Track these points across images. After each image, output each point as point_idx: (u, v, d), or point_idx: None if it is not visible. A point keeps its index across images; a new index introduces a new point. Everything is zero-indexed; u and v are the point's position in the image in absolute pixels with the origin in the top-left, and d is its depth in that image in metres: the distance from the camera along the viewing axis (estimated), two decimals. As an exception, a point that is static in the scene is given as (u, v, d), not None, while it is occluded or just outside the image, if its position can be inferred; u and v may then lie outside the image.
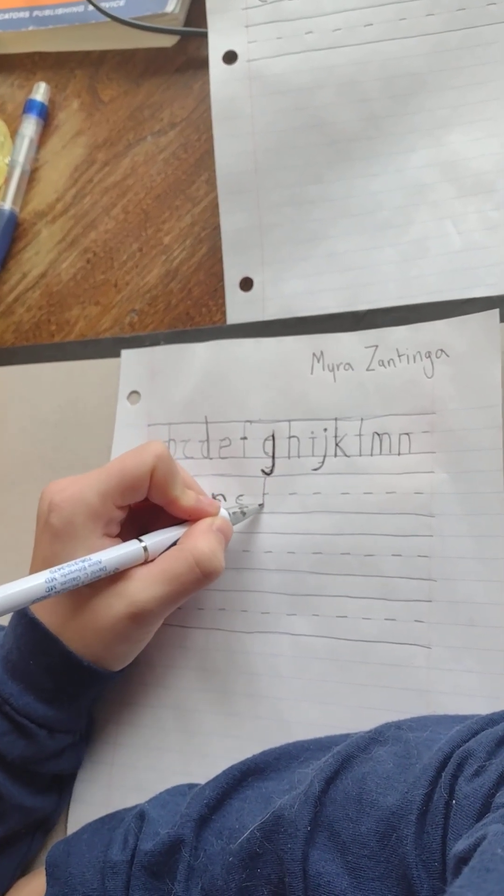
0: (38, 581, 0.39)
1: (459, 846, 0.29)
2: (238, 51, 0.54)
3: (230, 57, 0.54)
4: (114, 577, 0.43)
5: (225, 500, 0.50)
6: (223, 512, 0.47)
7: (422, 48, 0.51)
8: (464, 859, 0.28)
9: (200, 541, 0.44)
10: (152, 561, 0.44)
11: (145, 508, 0.47)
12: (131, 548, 0.43)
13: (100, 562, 0.41)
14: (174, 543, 0.45)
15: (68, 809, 0.49)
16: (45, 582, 0.39)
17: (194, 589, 0.43)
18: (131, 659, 0.46)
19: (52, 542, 0.43)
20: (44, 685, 0.43)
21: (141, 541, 0.44)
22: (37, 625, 0.43)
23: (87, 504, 0.43)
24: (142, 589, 0.42)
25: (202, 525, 0.45)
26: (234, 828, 0.38)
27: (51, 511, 0.43)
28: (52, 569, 0.40)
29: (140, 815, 0.42)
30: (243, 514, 0.48)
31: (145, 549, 0.43)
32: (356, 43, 0.52)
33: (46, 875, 0.42)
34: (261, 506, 0.50)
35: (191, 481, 0.48)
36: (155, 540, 0.44)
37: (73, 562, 0.41)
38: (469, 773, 0.33)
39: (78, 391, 0.56)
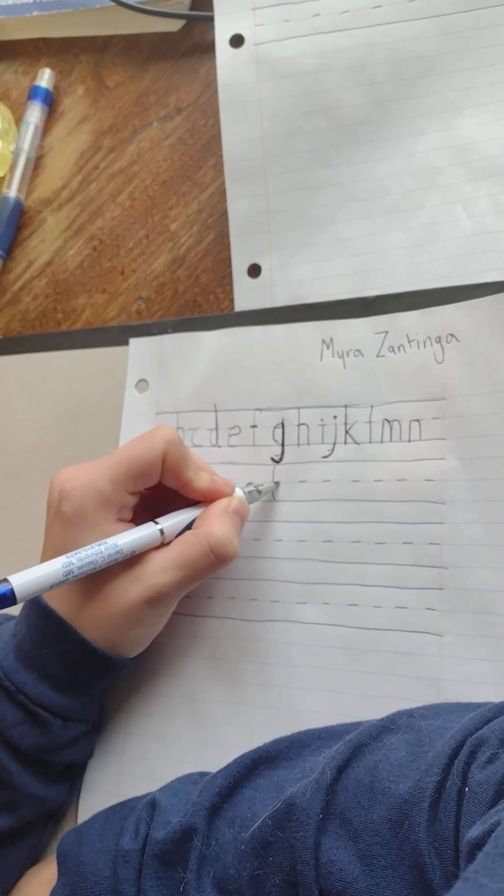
0: (55, 567, 0.39)
1: (473, 832, 0.28)
2: (245, 34, 0.53)
3: (237, 41, 0.53)
4: (129, 561, 0.43)
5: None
6: (238, 492, 0.47)
7: (431, 30, 0.50)
8: (478, 845, 0.28)
9: (216, 525, 0.44)
10: (168, 544, 0.44)
11: (159, 492, 0.46)
12: (148, 531, 0.43)
13: (116, 545, 0.41)
14: (190, 525, 0.44)
15: (79, 798, 0.49)
16: (63, 567, 0.39)
17: (209, 573, 0.43)
18: (146, 645, 0.46)
19: (63, 530, 0.43)
20: (58, 674, 0.43)
21: (157, 523, 0.43)
22: (50, 613, 0.43)
23: (99, 492, 0.43)
24: (158, 572, 0.42)
25: (218, 507, 0.45)
26: (246, 816, 0.38)
27: (62, 499, 0.43)
28: (69, 553, 0.40)
29: (151, 803, 0.41)
30: (259, 492, 0.48)
31: (161, 531, 0.43)
32: (364, 25, 0.51)
33: (58, 864, 0.42)
34: (277, 483, 0.49)
35: (202, 463, 0.48)
36: (171, 522, 0.44)
37: (89, 546, 0.41)
38: (482, 760, 0.33)
39: (85, 380, 0.56)
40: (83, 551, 0.40)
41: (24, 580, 0.39)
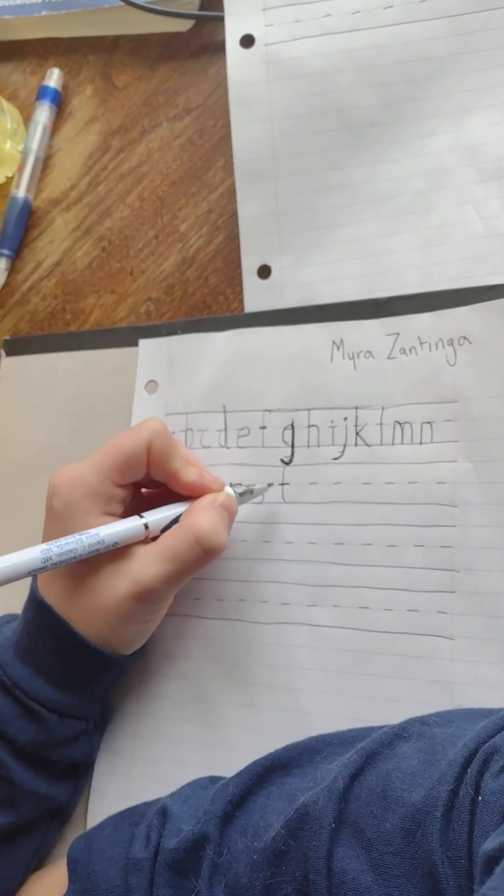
0: (33, 554, 0.40)
1: (489, 844, 0.28)
2: (255, 34, 0.53)
3: (247, 41, 0.53)
4: (115, 556, 0.43)
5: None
6: (228, 489, 0.46)
7: (442, 31, 0.50)
8: (494, 858, 0.27)
9: (200, 517, 0.43)
10: (155, 539, 0.43)
11: (155, 494, 0.46)
12: (131, 523, 0.43)
13: (97, 534, 0.41)
14: (177, 520, 0.44)
15: (88, 801, 0.49)
16: (41, 553, 0.40)
17: (197, 567, 0.43)
18: (140, 643, 0.46)
19: (54, 524, 0.43)
20: (53, 669, 0.43)
21: (142, 517, 0.43)
22: (45, 607, 0.43)
23: (85, 483, 0.43)
24: (144, 567, 0.42)
25: (203, 501, 0.45)
26: (259, 825, 0.38)
27: (53, 496, 0.44)
28: (49, 542, 0.41)
29: (162, 811, 0.41)
30: (251, 492, 0.48)
31: (146, 525, 0.43)
32: (375, 26, 0.51)
33: (68, 870, 0.42)
34: (269, 485, 0.49)
35: (193, 459, 0.48)
36: (156, 517, 0.44)
37: (70, 535, 0.41)
38: (495, 769, 0.32)
39: (94, 381, 0.56)
40: (63, 539, 0.41)
41: (1, 565, 0.39)
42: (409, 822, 0.33)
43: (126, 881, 0.39)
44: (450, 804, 0.33)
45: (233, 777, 0.41)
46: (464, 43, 0.50)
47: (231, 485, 0.47)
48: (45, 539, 0.44)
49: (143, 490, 0.48)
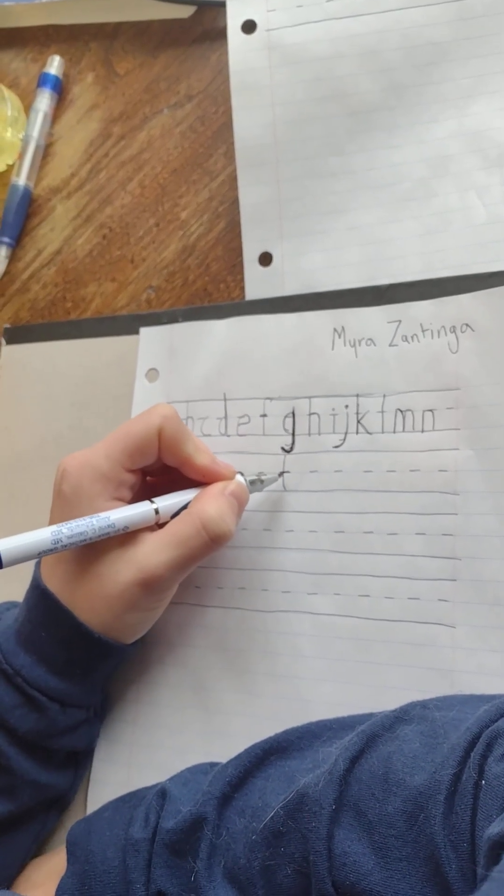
0: (44, 535, 0.40)
1: (494, 829, 0.28)
2: (257, 20, 0.53)
3: (249, 26, 0.53)
4: (122, 541, 0.42)
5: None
6: (239, 477, 0.46)
7: (445, 16, 0.50)
8: (500, 843, 0.27)
9: (209, 504, 0.43)
10: (162, 526, 0.43)
11: (164, 480, 0.46)
12: (142, 508, 0.43)
13: (108, 518, 0.41)
14: (186, 507, 0.44)
15: (87, 789, 0.49)
16: (52, 535, 0.40)
17: (203, 554, 0.43)
18: (143, 631, 0.46)
19: (62, 508, 0.43)
20: (56, 657, 0.43)
21: (152, 502, 0.43)
22: (48, 595, 0.43)
23: (95, 467, 0.43)
24: (150, 553, 0.42)
25: (214, 489, 0.45)
26: (257, 806, 0.38)
27: (62, 480, 0.43)
28: (60, 523, 0.40)
29: (161, 792, 0.41)
30: (261, 482, 0.48)
31: (157, 511, 0.43)
32: (378, 11, 0.50)
33: (67, 853, 0.42)
34: (281, 474, 0.49)
35: (204, 446, 0.47)
36: (167, 502, 0.44)
37: (81, 518, 0.41)
38: (499, 753, 0.32)
39: (95, 369, 0.56)
40: (73, 522, 0.41)
41: (11, 545, 0.39)
42: (412, 806, 0.33)
43: (124, 862, 0.39)
44: (453, 788, 0.32)
45: (232, 760, 0.41)
46: (467, 28, 0.49)
47: (241, 474, 0.47)
48: (51, 522, 0.44)
49: (148, 478, 0.48)
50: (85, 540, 0.40)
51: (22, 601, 0.46)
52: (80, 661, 0.43)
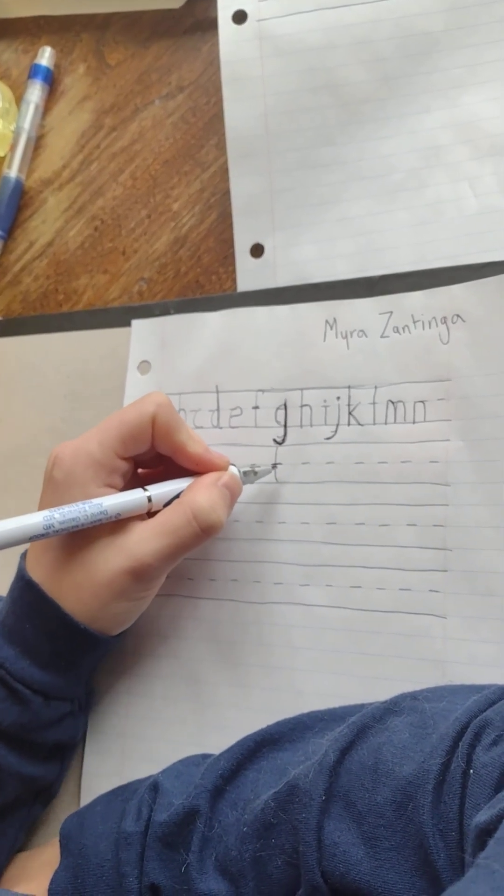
0: (35, 519, 0.39)
1: (481, 817, 0.28)
2: (248, 10, 0.52)
3: (240, 17, 0.53)
4: (112, 529, 0.42)
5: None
6: (232, 469, 0.46)
7: (437, 5, 0.50)
8: (487, 830, 0.27)
9: (200, 494, 0.43)
10: (153, 515, 0.43)
11: (153, 475, 0.46)
12: (135, 495, 0.43)
13: (101, 504, 0.41)
14: (178, 497, 0.44)
15: (80, 782, 0.49)
16: (43, 519, 0.40)
17: (193, 544, 0.43)
18: (129, 623, 0.46)
19: (53, 494, 0.43)
20: (40, 649, 0.43)
21: (146, 490, 0.43)
22: (33, 586, 0.43)
23: (88, 453, 0.43)
24: (140, 542, 0.42)
25: (206, 479, 0.45)
26: (249, 798, 0.38)
27: (54, 466, 0.43)
28: (52, 508, 0.40)
29: (154, 785, 0.41)
30: (255, 473, 0.48)
31: (149, 498, 0.43)
32: (370, 1, 0.50)
33: (60, 847, 0.42)
34: (274, 466, 0.49)
35: (197, 436, 0.47)
36: (159, 491, 0.44)
37: (73, 504, 0.41)
38: (487, 742, 0.32)
39: (87, 361, 0.55)
40: (66, 507, 0.40)
41: (1, 529, 0.39)
42: (401, 795, 0.33)
43: (117, 855, 0.39)
44: (441, 777, 0.33)
45: (224, 752, 0.41)
46: (459, 18, 0.49)
47: (234, 465, 0.47)
48: (41, 508, 0.44)
49: (140, 470, 0.48)
50: (76, 526, 0.40)
51: (6, 593, 0.46)
52: (64, 653, 0.43)
